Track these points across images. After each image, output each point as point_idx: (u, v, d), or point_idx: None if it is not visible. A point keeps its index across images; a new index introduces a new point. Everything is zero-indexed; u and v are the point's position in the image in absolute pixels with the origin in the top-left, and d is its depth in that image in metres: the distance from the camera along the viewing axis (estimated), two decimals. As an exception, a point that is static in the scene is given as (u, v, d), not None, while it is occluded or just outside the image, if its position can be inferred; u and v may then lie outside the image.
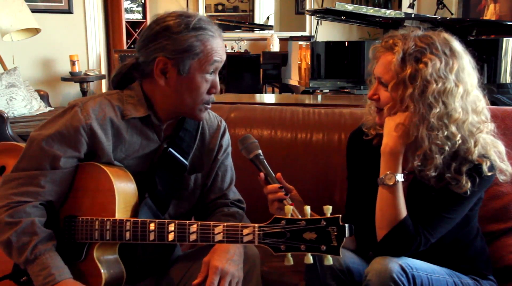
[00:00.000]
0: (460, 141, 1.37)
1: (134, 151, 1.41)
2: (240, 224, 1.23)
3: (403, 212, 1.38)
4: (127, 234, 1.30)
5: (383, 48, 1.43)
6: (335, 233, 1.13)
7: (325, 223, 1.14)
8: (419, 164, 1.38)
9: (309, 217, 1.17)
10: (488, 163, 1.39)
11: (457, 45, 1.40)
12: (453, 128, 1.35)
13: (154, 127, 1.42)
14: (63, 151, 1.32)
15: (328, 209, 1.16)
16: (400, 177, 1.39)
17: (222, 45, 1.39)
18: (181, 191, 1.51)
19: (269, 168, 1.41)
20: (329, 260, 1.14)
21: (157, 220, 1.29)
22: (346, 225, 1.13)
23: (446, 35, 1.41)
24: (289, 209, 1.20)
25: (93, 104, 1.36)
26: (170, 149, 1.44)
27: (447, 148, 1.36)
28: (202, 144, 1.53)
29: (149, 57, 1.36)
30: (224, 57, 1.39)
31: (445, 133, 1.35)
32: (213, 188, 1.56)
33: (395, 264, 1.31)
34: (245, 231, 1.21)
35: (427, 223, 1.38)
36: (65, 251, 1.32)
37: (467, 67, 1.40)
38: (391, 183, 1.38)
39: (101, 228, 1.31)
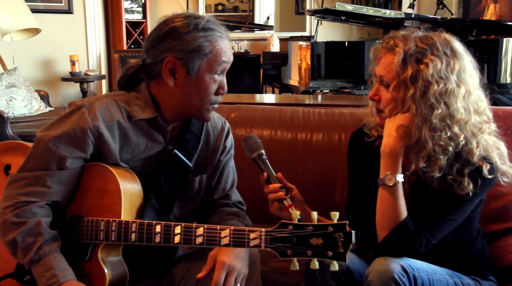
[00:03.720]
0: (463, 142, 1.37)
1: (139, 153, 1.41)
2: (247, 228, 1.22)
3: (404, 213, 1.38)
4: (133, 236, 1.30)
5: (384, 49, 1.43)
6: (342, 239, 1.13)
7: (332, 229, 1.14)
8: (424, 165, 1.38)
9: (316, 222, 1.16)
10: (488, 166, 1.38)
11: (458, 45, 1.40)
12: (456, 129, 1.35)
13: (160, 128, 1.43)
14: (70, 152, 1.32)
15: (335, 215, 1.16)
16: (400, 177, 1.39)
17: (229, 46, 1.40)
18: (186, 192, 1.51)
19: (271, 168, 1.41)
20: (335, 266, 1.14)
21: (163, 222, 1.29)
22: (353, 232, 1.13)
23: (447, 36, 1.41)
24: (296, 214, 1.19)
25: (100, 105, 1.36)
26: (175, 151, 1.45)
27: (450, 148, 1.36)
28: (206, 145, 1.54)
29: (157, 58, 1.36)
30: (231, 58, 1.40)
31: (448, 133, 1.35)
32: (216, 188, 1.56)
33: (396, 265, 1.31)
34: (252, 235, 1.21)
35: (429, 224, 1.38)
36: (69, 251, 1.33)
37: (468, 67, 1.39)
38: (391, 184, 1.38)
39: (107, 229, 1.31)
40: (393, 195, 1.39)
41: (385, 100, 1.42)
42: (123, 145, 1.38)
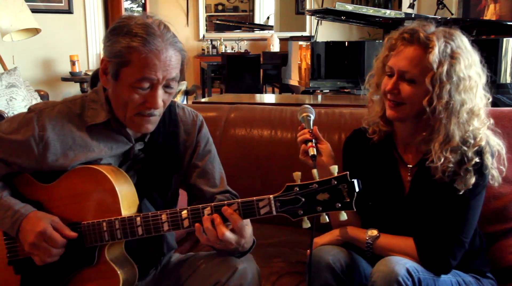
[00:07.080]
0: (481, 135, 1.39)
1: (107, 153, 1.38)
2: (254, 198, 1.22)
3: (409, 243, 1.41)
4: (139, 230, 1.28)
5: (405, 41, 1.40)
6: (346, 190, 1.16)
7: (335, 182, 1.17)
8: (447, 156, 1.37)
9: (317, 179, 1.19)
10: (490, 159, 1.41)
11: (469, 41, 1.43)
12: (475, 122, 1.39)
13: (119, 129, 1.38)
14: (7, 157, 1.35)
15: (335, 168, 1.18)
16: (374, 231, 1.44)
17: (163, 60, 1.24)
18: (164, 191, 1.47)
19: (311, 125, 1.48)
20: (344, 215, 1.18)
21: (168, 210, 1.28)
22: (355, 180, 1.16)
23: (461, 32, 1.44)
24: (298, 175, 1.21)
25: (51, 114, 1.36)
26: (143, 151, 1.42)
27: (471, 141, 1.38)
28: (179, 142, 1.49)
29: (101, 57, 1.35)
30: (163, 75, 1.25)
31: (471, 127, 1.38)
32: (208, 182, 1.50)
33: (401, 267, 1.30)
34: (261, 204, 1.21)
35: (448, 230, 1.40)
36: (75, 257, 1.31)
37: (478, 63, 1.43)
38: (376, 233, 1.44)
39: (110, 228, 1.29)
40: (387, 240, 1.43)
41: (405, 94, 1.39)
42: (84, 151, 1.36)
